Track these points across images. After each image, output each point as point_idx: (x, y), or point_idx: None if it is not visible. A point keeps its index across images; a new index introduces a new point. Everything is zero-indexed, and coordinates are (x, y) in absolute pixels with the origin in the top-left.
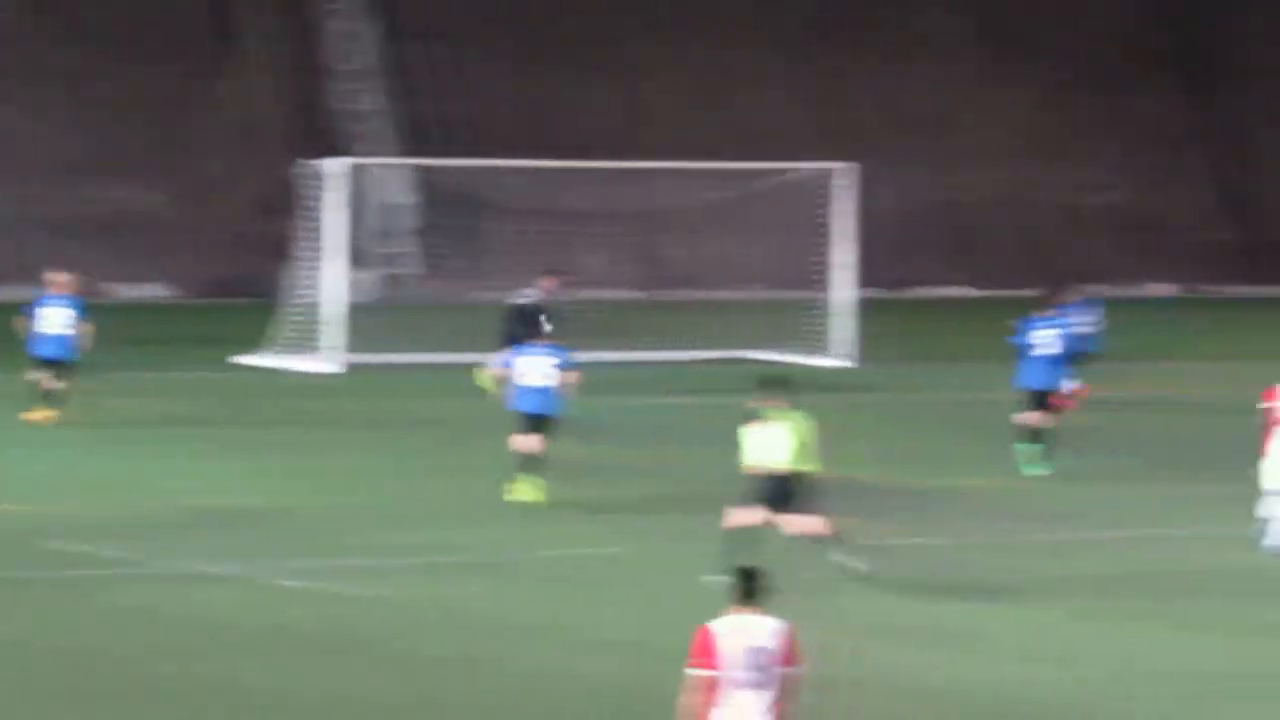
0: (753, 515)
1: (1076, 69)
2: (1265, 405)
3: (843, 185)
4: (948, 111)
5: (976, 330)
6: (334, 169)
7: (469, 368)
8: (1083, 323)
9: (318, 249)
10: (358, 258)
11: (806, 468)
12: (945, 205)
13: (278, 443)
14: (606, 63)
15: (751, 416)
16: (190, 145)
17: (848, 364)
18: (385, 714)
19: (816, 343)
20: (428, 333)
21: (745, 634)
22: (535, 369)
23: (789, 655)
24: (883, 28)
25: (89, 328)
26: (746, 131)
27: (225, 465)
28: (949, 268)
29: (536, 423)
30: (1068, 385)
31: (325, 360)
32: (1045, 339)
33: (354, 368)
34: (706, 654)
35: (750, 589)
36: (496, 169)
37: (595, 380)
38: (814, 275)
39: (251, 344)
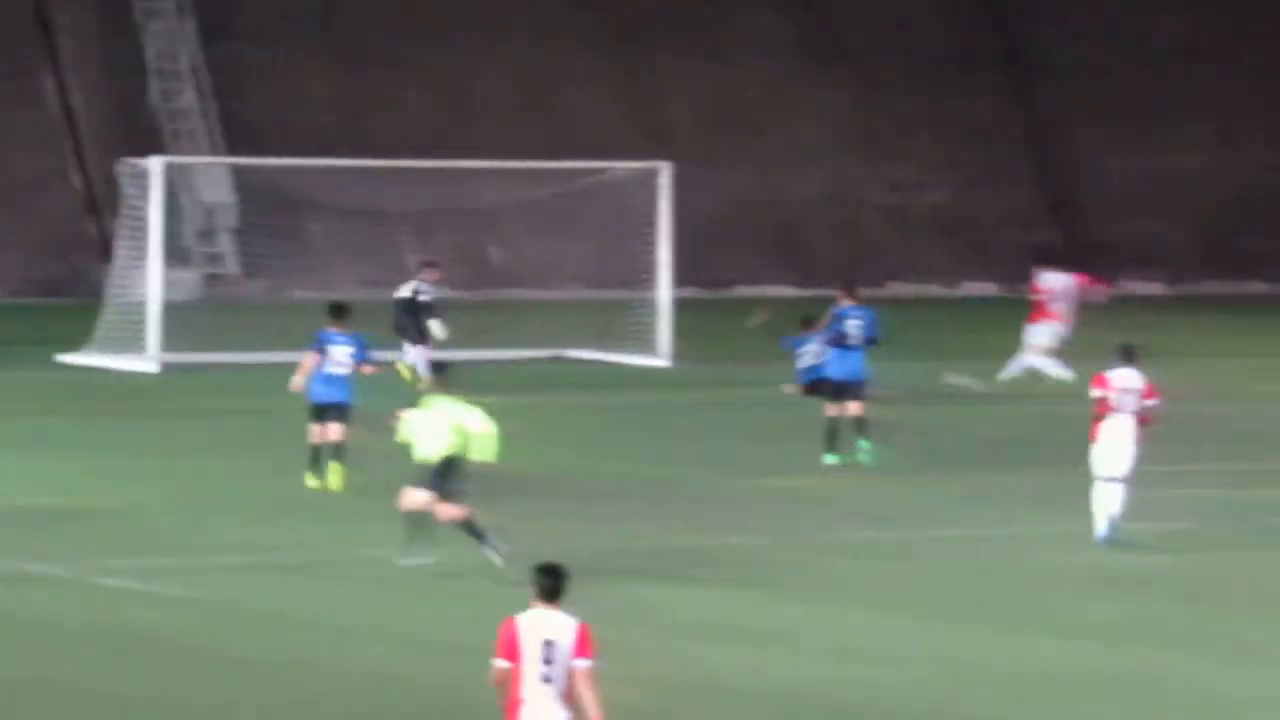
0: (420, 498)
1: (899, 68)
2: (1095, 394)
3: (660, 184)
4: (770, 110)
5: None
6: (153, 168)
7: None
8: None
9: (139, 248)
10: (178, 257)
11: (462, 454)
12: (767, 204)
13: (98, 442)
14: (428, 61)
15: (421, 402)
16: (12, 143)
17: (665, 363)
18: (203, 714)
19: (636, 342)
20: (247, 332)
21: (542, 628)
22: (335, 358)
23: (581, 649)
24: (705, 26)
25: None
26: (569, 130)
27: (46, 465)
28: (771, 267)
29: (334, 411)
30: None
31: (145, 359)
32: (854, 330)
33: (174, 367)
34: (506, 645)
35: (549, 585)
36: (317, 168)
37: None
38: (633, 274)
39: (78, 343)
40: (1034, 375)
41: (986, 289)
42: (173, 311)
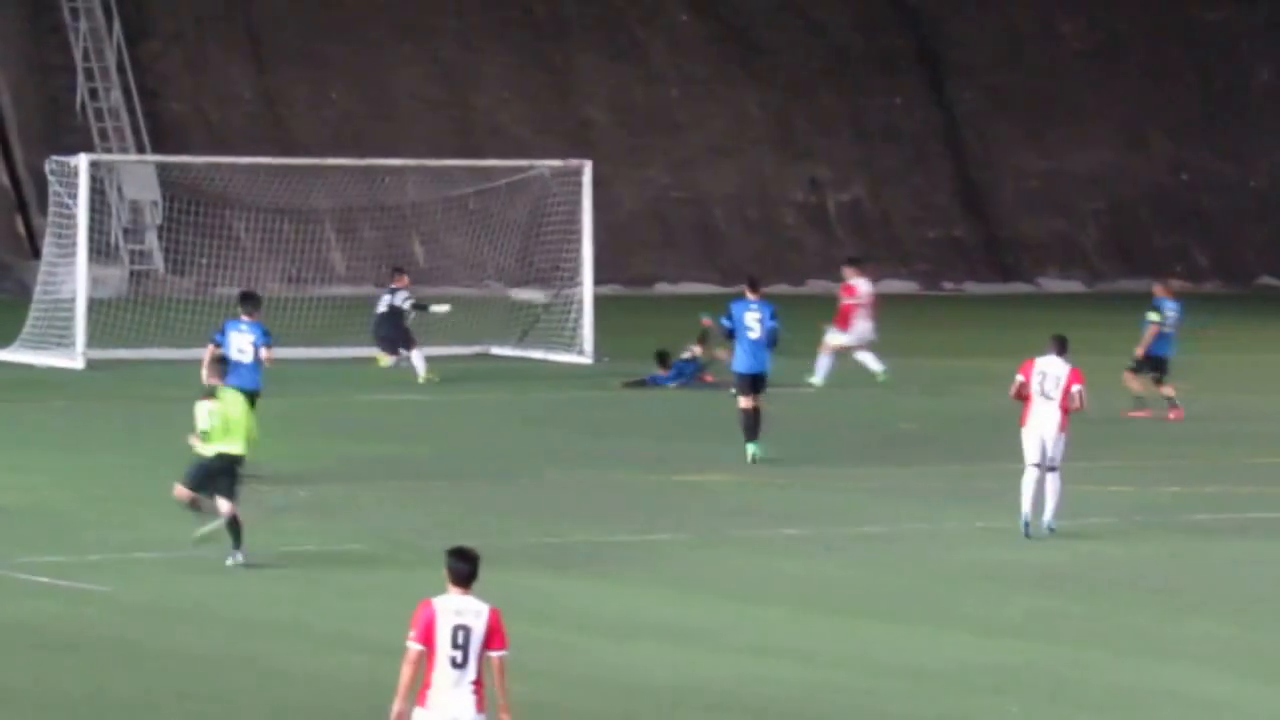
0: (184, 493)
1: (814, 67)
2: (1018, 378)
3: (579, 182)
4: (687, 108)
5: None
6: (78, 166)
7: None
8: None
9: (66, 245)
10: (105, 254)
11: (234, 449)
12: (686, 202)
13: (20, 438)
14: (349, 60)
15: (207, 394)
16: None
17: (587, 360)
18: (122, 708)
19: (558, 338)
20: (172, 328)
21: (456, 613)
22: (236, 345)
23: (493, 637)
24: (623, 26)
25: None
26: (488, 129)
27: None
28: (690, 264)
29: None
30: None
31: (69, 355)
32: (755, 322)
33: (99, 363)
34: (423, 629)
35: (463, 570)
36: (240, 166)
37: (336, 374)
38: (553, 272)
39: (4, 339)
40: (860, 368)
41: (904, 286)
42: (99, 308)
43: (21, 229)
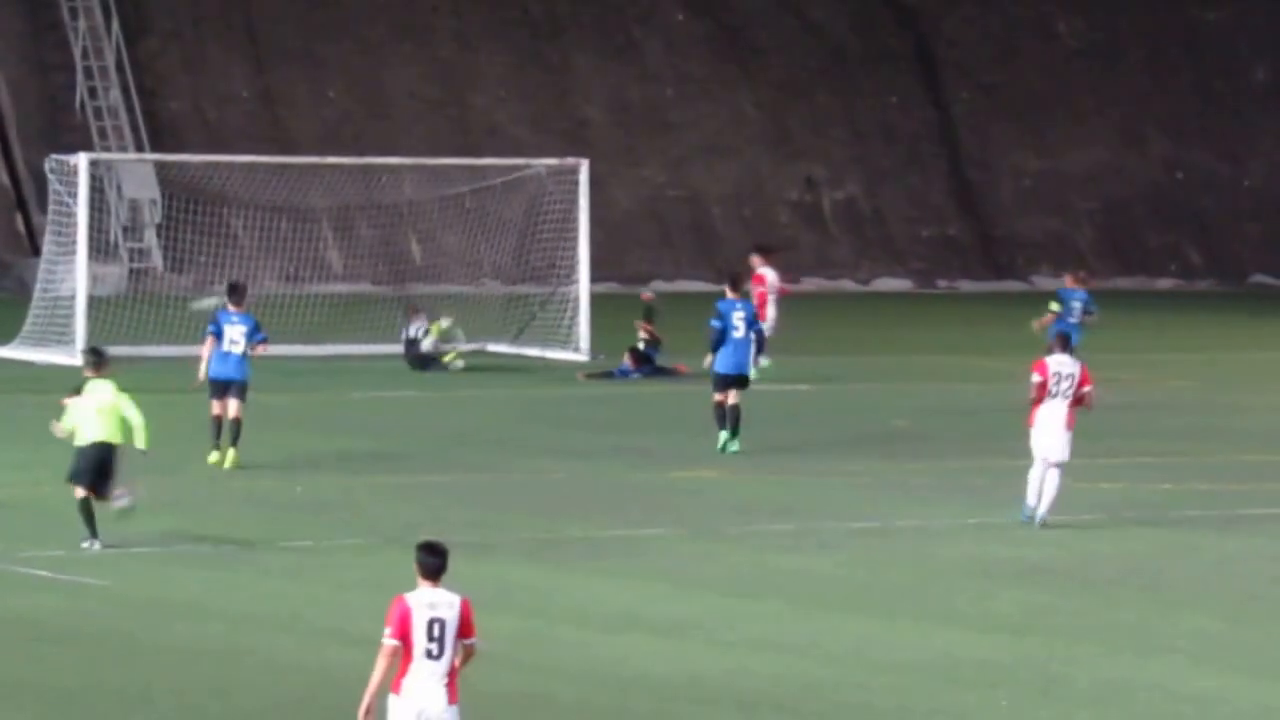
0: (78, 490)
1: (810, 66)
2: (1035, 379)
3: (576, 181)
4: (682, 108)
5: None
6: (80, 165)
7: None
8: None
9: (65, 243)
10: (104, 252)
11: (119, 440)
12: (681, 201)
13: (19, 434)
14: (347, 60)
15: (77, 388)
16: None
17: (583, 357)
18: (120, 701)
19: (553, 336)
20: (171, 326)
21: (429, 606)
22: (229, 336)
23: (465, 627)
24: (619, 26)
25: None
26: (486, 128)
27: None
28: (685, 262)
29: (233, 388)
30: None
31: (70, 352)
32: (740, 322)
33: None
34: (395, 622)
35: (433, 564)
36: (238, 165)
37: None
38: (550, 269)
39: (4, 337)
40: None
41: (899, 284)
42: (98, 305)
43: (21, 227)
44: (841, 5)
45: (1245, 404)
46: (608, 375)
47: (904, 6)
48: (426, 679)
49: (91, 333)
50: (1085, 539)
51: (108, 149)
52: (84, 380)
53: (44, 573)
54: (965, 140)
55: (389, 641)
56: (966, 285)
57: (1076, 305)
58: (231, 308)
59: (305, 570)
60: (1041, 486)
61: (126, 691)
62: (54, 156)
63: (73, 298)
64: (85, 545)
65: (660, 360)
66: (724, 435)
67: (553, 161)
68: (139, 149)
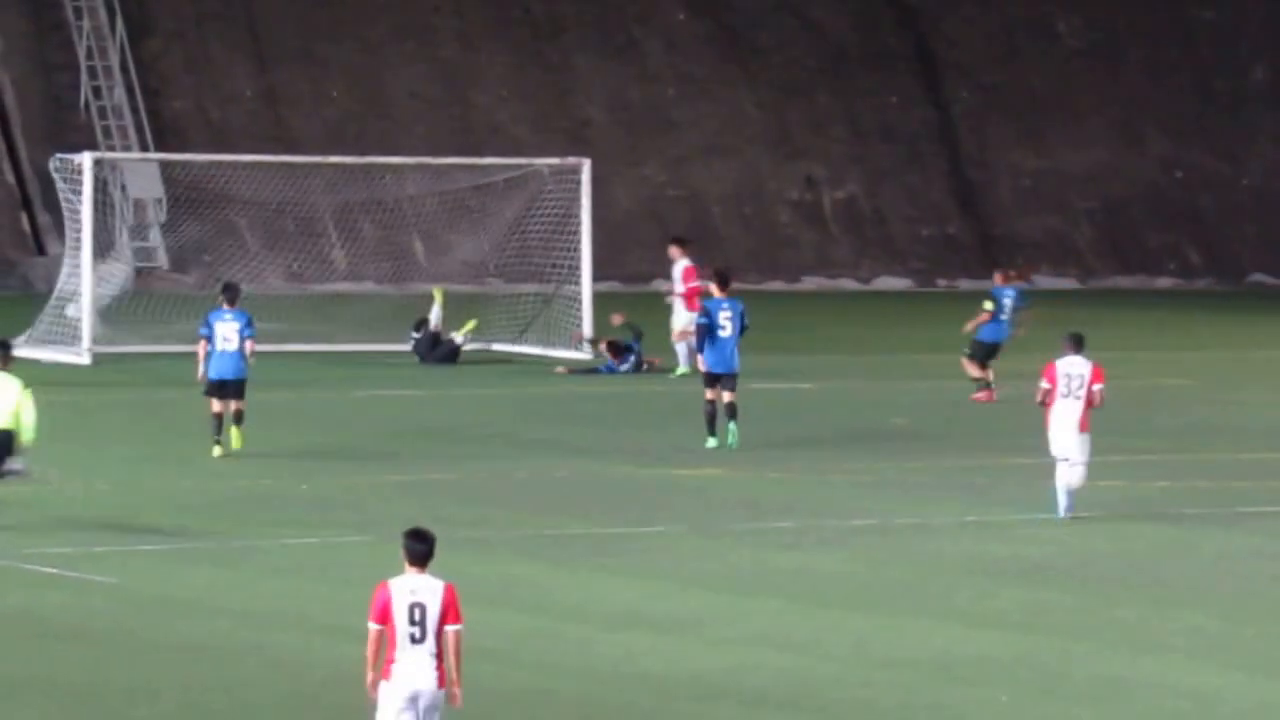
0: None
1: (810, 65)
2: (1043, 385)
3: (577, 180)
4: (683, 107)
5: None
6: (83, 164)
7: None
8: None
9: (71, 242)
10: (109, 251)
11: (12, 427)
12: (681, 200)
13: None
14: (349, 59)
15: None
16: None
17: (585, 356)
18: (127, 698)
19: (555, 335)
20: (177, 324)
21: (411, 591)
22: (222, 334)
23: (449, 612)
24: (619, 25)
25: None
26: (487, 127)
27: None
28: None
29: (231, 387)
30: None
31: (75, 351)
32: (727, 320)
33: (105, 358)
34: (379, 609)
35: (419, 550)
36: (242, 164)
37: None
38: (551, 269)
39: (11, 335)
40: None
41: (898, 284)
42: (101, 303)
43: (26, 226)
44: (841, 5)
45: (1244, 402)
46: (593, 371)
47: (904, 6)
48: (414, 662)
49: (98, 331)
50: (1084, 537)
51: (112, 148)
52: None
53: (50, 569)
54: (965, 140)
55: (371, 626)
56: (966, 284)
57: (1007, 303)
58: (224, 305)
59: (310, 567)
60: (1065, 484)
61: (132, 687)
62: (59, 156)
63: (74, 296)
64: None
65: (640, 349)
66: (712, 441)
67: (554, 161)
68: (143, 148)
